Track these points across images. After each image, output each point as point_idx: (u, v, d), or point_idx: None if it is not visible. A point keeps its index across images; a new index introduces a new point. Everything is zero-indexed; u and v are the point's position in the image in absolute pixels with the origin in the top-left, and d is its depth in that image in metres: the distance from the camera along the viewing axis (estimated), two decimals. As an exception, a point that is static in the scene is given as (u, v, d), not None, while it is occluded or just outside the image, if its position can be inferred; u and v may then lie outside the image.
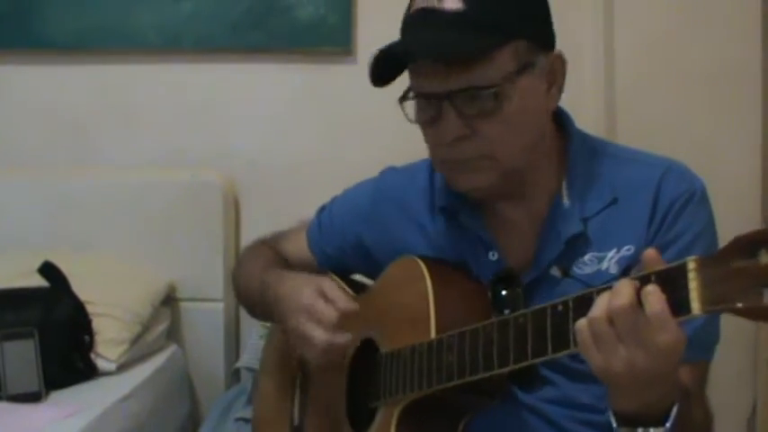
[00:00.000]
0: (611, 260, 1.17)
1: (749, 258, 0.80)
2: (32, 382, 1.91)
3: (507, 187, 1.18)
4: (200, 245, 2.38)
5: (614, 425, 0.98)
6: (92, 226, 2.39)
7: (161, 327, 2.30)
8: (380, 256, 1.35)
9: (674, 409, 0.96)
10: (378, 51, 1.13)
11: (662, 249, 0.94)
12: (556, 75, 1.17)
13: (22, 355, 1.92)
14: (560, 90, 1.19)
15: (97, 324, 2.10)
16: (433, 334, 1.14)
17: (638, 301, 0.87)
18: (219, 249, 2.37)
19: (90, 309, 2.10)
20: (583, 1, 2.29)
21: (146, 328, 2.21)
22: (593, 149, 1.24)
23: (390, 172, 1.42)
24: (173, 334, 2.39)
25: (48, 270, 2.14)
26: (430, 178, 1.33)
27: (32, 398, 1.89)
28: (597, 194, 1.20)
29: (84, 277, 2.16)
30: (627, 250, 1.16)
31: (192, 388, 2.42)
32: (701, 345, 1.14)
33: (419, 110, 1.15)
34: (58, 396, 1.93)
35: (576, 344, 0.93)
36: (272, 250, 1.48)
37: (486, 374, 1.05)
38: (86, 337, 2.06)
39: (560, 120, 1.24)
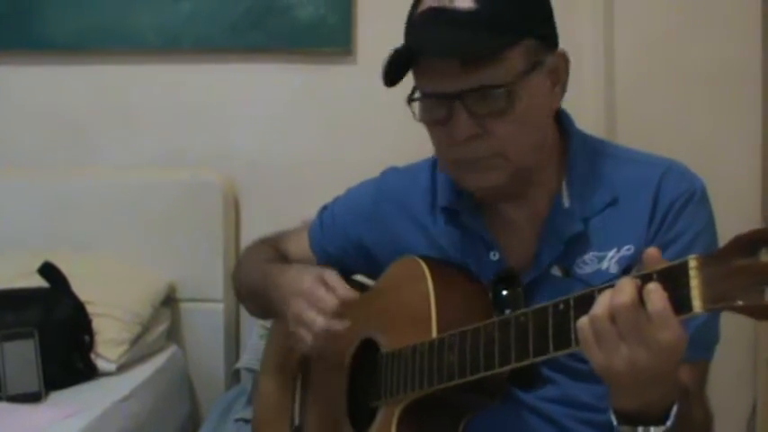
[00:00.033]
0: (611, 260, 1.17)
1: (750, 257, 0.80)
2: (32, 382, 1.91)
3: (514, 186, 1.18)
4: (200, 245, 2.38)
5: (615, 423, 0.98)
6: (91, 226, 2.39)
7: (161, 327, 2.30)
8: (382, 256, 1.35)
9: (675, 408, 0.96)
10: (393, 51, 1.13)
11: (662, 249, 0.94)
12: (560, 73, 1.18)
13: (22, 356, 1.92)
14: (564, 89, 1.19)
15: (97, 324, 2.10)
16: (434, 334, 1.14)
17: (640, 300, 0.88)
18: (219, 250, 2.37)
19: (90, 309, 2.11)
20: (583, 1, 2.29)
21: (146, 328, 2.21)
22: (593, 149, 1.24)
23: (392, 172, 1.42)
24: (173, 334, 2.39)
25: (47, 270, 2.14)
26: (431, 178, 1.33)
27: (32, 398, 1.89)
28: (597, 194, 1.20)
29: (83, 278, 2.16)
30: (627, 250, 1.17)
31: (192, 388, 2.42)
32: (701, 344, 1.14)
33: (427, 110, 1.15)
34: (58, 396, 1.94)
35: (577, 342, 0.93)
36: (273, 248, 1.49)
37: (488, 373, 1.05)
38: (86, 338, 2.06)
39: (561, 120, 1.24)
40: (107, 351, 2.08)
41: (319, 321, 1.18)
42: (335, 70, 2.42)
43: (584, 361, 1.13)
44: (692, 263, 0.84)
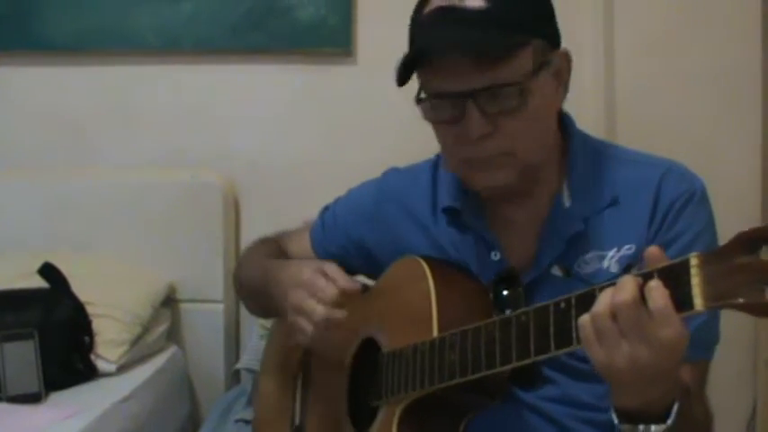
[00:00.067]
0: (611, 259, 1.17)
1: (751, 255, 0.80)
2: (32, 383, 1.91)
3: (521, 185, 1.18)
4: (200, 246, 2.38)
5: (616, 422, 0.98)
6: (91, 227, 2.39)
7: (161, 328, 2.30)
8: (383, 256, 1.35)
9: (675, 407, 0.96)
10: (408, 51, 1.13)
11: (662, 248, 0.94)
12: (563, 73, 1.18)
13: (22, 357, 1.92)
14: (566, 88, 1.20)
15: (97, 325, 2.10)
16: (435, 333, 1.14)
17: (641, 297, 0.88)
18: (219, 250, 2.37)
19: (90, 310, 2.11)
20: (583, 1, 2.29)
21: (146, 329, 2.21)
22: (593, 150, 1.25)
23: (393, 173, 1.42)
24: (173, 335, 2.39)
25: (47, 271, 2.14)
26: (432, 179, 1.33)
27: (32, 399, 1.89)
28: (598, 194, 1.20)
29: (83, 278, 2.16)
30: (627, 249, 1.17)
31: (192, 389, 2.42)
32: (702, 344, 1.14)
33: (437, 109, 1.15)
34: (58, 397, 1.94)
35: (578, 341, 0.93)
36: (274, 246, 1.49)
37: (489, 372, 1.05)
38: (86, 339, 2.07)
39: (562, 120, 1.25)
40: (107, 352, 2.08)
41: (319, 310, 1.18)
42: (336, 71, 2.42)
43: (584, 360, 1.13)
44: (694, 261, 0.84)
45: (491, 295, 1.16)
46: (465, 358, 1.08)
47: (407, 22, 1.21)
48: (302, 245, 1.47)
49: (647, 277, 0.88)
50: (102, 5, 2.43)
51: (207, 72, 2.46)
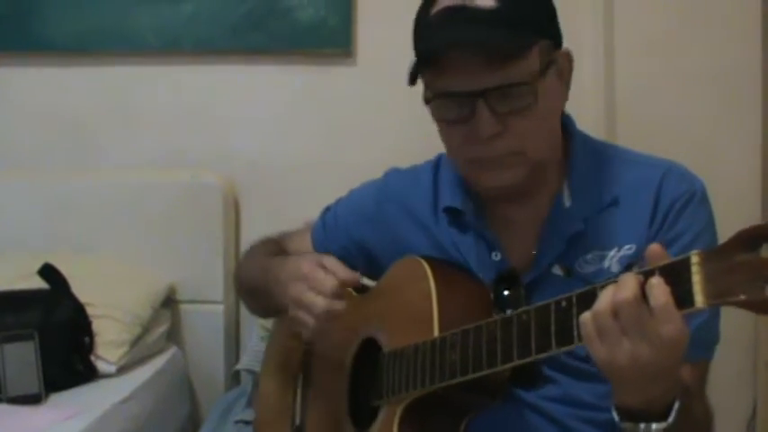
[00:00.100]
0: (612, 259, 1.18)
1: (751, 252, 0.81)
2: (32, 384, 1.91)
3: (526, 185, 1.18)
4: (200, 246, 2.38)
5: (617, 420, 0.98)
6: (92, 227, 2.39)
7: (161, 329, 2.30)
8: (384, 256, 1.35)
9: (676, 405, 0.96)
10: (422, 50, 1.13)
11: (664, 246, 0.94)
12: (565, 72, 1.19)
13: (23, 358, 1.92)
14: (568, 87, 1.20)
15: (97, 326, 2.10)
16: (435, 333, 1.15)
17: (643, 295, 0.88)
18: (219, 251, 2.37)
19: (90, 311, 2.11)
20: (583, 1, 2.29)
21: (146, 329, 2.21)
22: (594, 150, 1.26)
23: (394, 173, 1.42)
24: (173, 336, 2.39)
25: (47, 272, 2.14)
26: (433, 179, 1.33)
27: (32, 400, 1.89)
28: (598, 194, 1.20)
29: (84, 279, 2.16)
30: (628, 249, 1.17)
31: (192, 390, 2.42)
32: (702, 344, 1.14)
33: (445, 109, 1.15)
34: (58, 398, 1.94)
35: (580, 339, 0.93)
36: (275, 246, 1.49)
37: (490, 371, 1.05)
38: (86, 339, 2.06)
39: (562, 120, 1.25)
40: (107, 353, 2.08)
41: (319, 302, 1.18)
42: (336, 71, 2.42)
43: (585, 360, 1.14)
44: (694, 258, 0.85)
45: (492, 295, 1.16)
46: (466, 357, 1.08)
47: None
48: (303, 245, 1.47)
49: (648, 275, 0.88)
50: (102, 6, 2.43)
51: (207, 72, 2.46)
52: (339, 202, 1.48)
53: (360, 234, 1.40)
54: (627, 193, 1.20)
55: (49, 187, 2.43)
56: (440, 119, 1.16)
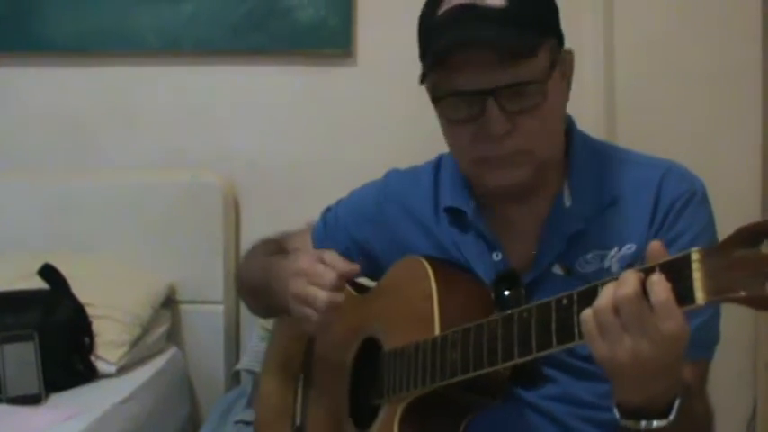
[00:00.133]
0: (612, 258, 1.18)
1: (752, 249, 0.81)
2: (32, 384, 1.91)
3: (531, 183, 1.18)
4: (200, 247, 2.38)
5: (618, 417, 0.98)
6: (92, 228, 2.39)
7: (161, 329, 2.30)
8: (384, 257, 1.35)
9: (677, 402, 0.96)
10: (437, 47, 1.12)
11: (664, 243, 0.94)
12: (567, 71, 1.19)
13: (22, 358, 1.92)
14: (569, 87, 1.21)
15: (97, 326, 2.10)
16: (437, 333, 1.15)
17: (643, 291, 0.88)
18: (219, 251, 2.37)
19: (90, 311, 2.11)
20: (583, 1, 2.29)
21: (146, 330, 2.21)
22: (594, 150, 1.26)
23: (394, 174, 1.42)
24: (173, 336, 2.39)
25: (47, 272, 2.14)
26: (434, 180, 1.33)
27: (32, 400, 1.89)
28: (598, 194, 1.21)
29: (84, 279, 2.16)
30: (628, 249, 1.17)
31: (192, 390, 2.42)
32: (702, 343, 1.14)
33: (454, 108, 1.15)
34: (58, 398, 1.93)
35: (581, 336, 0.93)
36: (275, 246, 1.49)
37: (491, 369, 1.05)
38: (86, 340, 2.06)
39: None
40: (107, 353, 2.08)
41: (321, 295, 1.18)
42: (336, 72, 2.42)
43: (585, 359, 1.14)
44: (695, 255, 0.85)
45: (492, 295, 1.16)
46: (467, 356, 1.08)
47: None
48: (304, 245, 1.47)
49: (648, 272, 0.89)
50: (102, 6, 2.43)
51: (207, 73, 2.46)
52: (340, 202, 1.48)
53: (360, 234, 1.40)
54: (627, 193, 1.20)
55: (49, 187, 2.43)
56: (448, 118, 1.16)
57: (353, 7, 2.39)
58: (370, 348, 1.30)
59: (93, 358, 2.06)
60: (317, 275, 1.20)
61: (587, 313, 0.92)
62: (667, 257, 0.89)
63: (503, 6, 1.10)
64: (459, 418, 1.16)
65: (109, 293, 2.19)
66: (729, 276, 0.82)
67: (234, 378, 2.36)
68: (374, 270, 1.38)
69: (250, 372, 2.17)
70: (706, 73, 2.27)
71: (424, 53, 1.17)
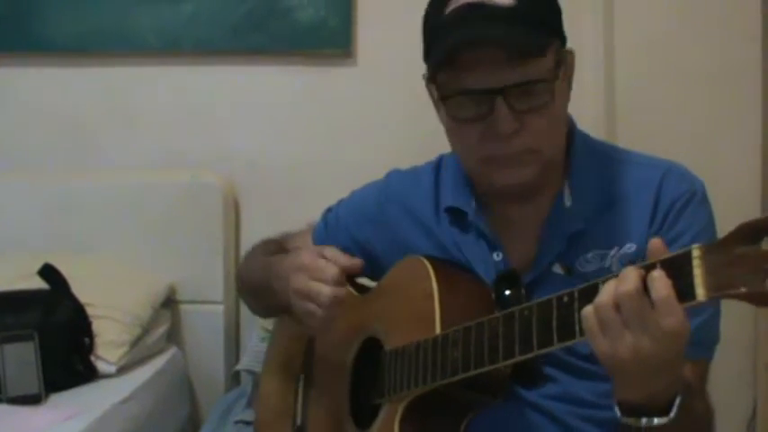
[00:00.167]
0: (613, 258, 1.18)
1: (752, 246, 0.81)
2: (32, 384, 1.91)
3: (538, 182, 1.19)
4: (200, 247, 2.38)
5: (619, 415, 0.99)
6: (92, 228, 2.39)
7: (161, 329, 2.30)
8: (385, 257, 1.35)
9: (678, 400, 0.96)
10: (447, 46, 1.12)
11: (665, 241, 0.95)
12: (570, 71, 1.20)
13: (22, 358, 1.92)
14: (570, 86, 1.21)
15: (97, 326, 2.10)
16: (437, 331, 1.15)
17: (644, 288, 0.88)
18: (219, 251, 2.37)
19: (90, 311, 2.11)
20: (583, 1, 2.29)
21: (146, 330, 2.21)
22: (594, 150, 1.26)
23: (395, 174, 1.42)
24: (173, 336, 2.38)
25: (48, 272, 2.14)
26: (435, 180, 1.34)
27: (32, 400, 1.89)
28: (599, 194, 1.21)
29: (84, 279, 2.16)
30: (628, 248, 1.18)
31: (192, 390, 2.41)
32: (702, 343, 1.14)
33: (462, 107, 1.14)
34: (58, 398, 1.93)
35: (581, 333, 0.93)
36: (276, 246, 1.49)
37: (492, 367, 1.05)
38: (86, 340, 2.06)
39: None
40: (107, 353, 2.08)
41: (324, 290, 1.19)
42: (336, 72, 2.42)
43: (585, 358, 1.14)
44: (696, 252, 0.85)
45: (493, 295, 1.17)
46: (468, 354, 1.08)
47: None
48: (305, 246, 1.47)
49: (649, 268, 0.89)
50: (102, 7, 2.43)
51: (207, 73, 2.46)
52: (340, 203, 1.48)
53: (361, 235, 1.40)
54: (627, 193, 1.20)
55: (49, 187, 2.43)
56: (456, 117, 1.16)
57: (353, 7, 2.39)
58: (370, 348, 1.30)
59: (93, 358, 2.06)
60: (319, 270, 1.20)
61: (588, 310, 0.92)
62: (668, 254, 0.89)
63: (511, 5, 1.10)
64: (460, 418, 1.17)
65: (109, 293, 2.19)
66: (730, 273, 0.82)
67: (234, 378, 2.36)
68: (375, 270, 1.38)
69: (250, 372, 2.17)
70: (706, 73, 2.27)
71: (430, 52, 1.17)
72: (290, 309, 1.27)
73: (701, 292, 0.84)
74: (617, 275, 0.91)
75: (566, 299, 0.96)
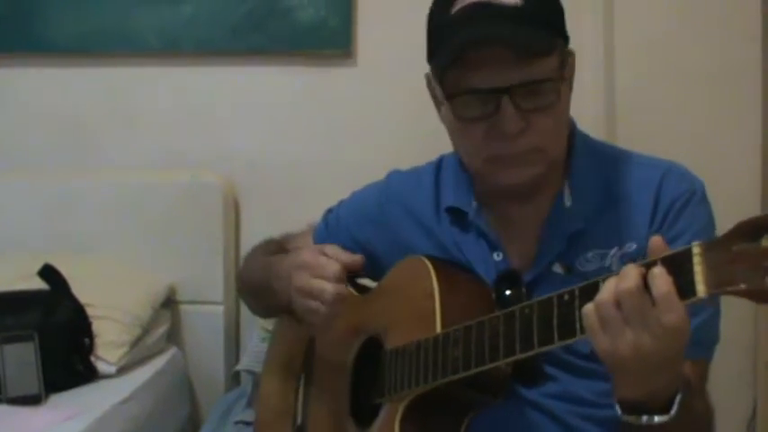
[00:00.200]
0: (613, 257, 1.18)
1: (752, 242, 0.82)
2: (32, 384, 1.91)
3: (541, 181, 1.19)
4: (200, 247, 2.38)
5: (619, 413, 0.99)
6: (92, 228, 2.39)
7: (161, 329, 2.30)
8: (386, 258, 1.35)
9: (678, 398, 0.96)
10: (455, 45, 1.12)
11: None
12: (570, 71, 1.20)
13: (22, 358, 1.92)
14: (571, 87, 1.21)
15: (97, 327, 2.10)
16: (438, 330, 1.15)
17: (645, 285, 0.89)
18: (219, 251, 2.37)
19: (90, 311, 2.11)
20: (583, 1, 2.29)
21: (146, 330, 2.21)
22: (594, 150, 1.26)
23: (395, 175, 1.42)
24: (173, 336, 2.38)
25: (48, 273, 2.14)
26: (435, 180, 1.34)
27: (32, 400, 1.89)
28: (599, 194, 1.21)
29: (84, 280, 2.16)
30: (629, 248, 1.18)
31: (192, 391, 2.42)
32: (702, 343, 1.14)
33: (467, 106, 1.14)
34: (58, 399, 1.93)
35: (582, 331, 0.94)
36: (277, 246, 1.49)
37: (492, 365, 1.05)
38: (86, 340, 2.06)
39: None
40: (107, 353, 2.08)
41: (327, 287, 1.19)
42: (336, 72, 2.42)
43: (585, 358, 1.14)
44: (696, 249, 0.85)
45: (493, 295, 1.17)
46: (468, 352, 1.08)
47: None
48: (306, 246, 1.47)
49: (650, 266, 0.89)
50: (103, 7, 2.43)
51: (207, 73, 2.46)
52: (341, 203, 1.48)
53: (362, 235, 1.40)
54: (627, 193, 1.20)
55: (50, 187, 2.43)
56: (461, 116, 1.15)
57: (353, 7, 2.39)
58: (371, 348, 1.30)
59: (93, 359, 2.06)
60: (321, 267, 1.20)
61: (589, 307, 0.92)
62: (668, 252, 0.89)
63: (518, 5, 1.11)
64: (461, 417, 1.17)
65: (109, 294, 2.19)
66: (730, 270, 0.82)
67: (234, 378, 2.36)
68: (376, 271, 1.38)
69: (250, 372, 2.17)
70: (706, 73, 2.27)
71: (436, 51, 1.17)
72: (291, 308, 1.27)
73: (701, 289, 0.85)
74: (618, 273, 0.92)
75: (566, 297, 0.96)
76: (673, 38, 2.28)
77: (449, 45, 1.12)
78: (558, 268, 1.19)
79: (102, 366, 2.07)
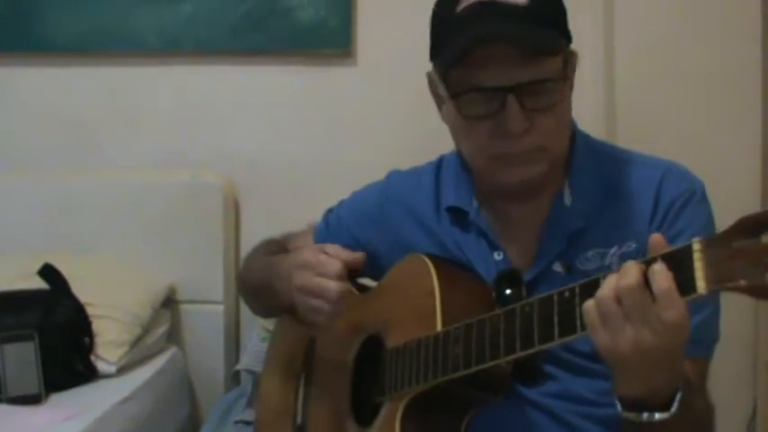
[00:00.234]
0: (613, 256, 1.18)
1: (753, 239, 0.82)
2: (32, 384, 1.91)
3: (543, 180, 1.19)
4: (200, 247, 2.38)
5: (620, 410, 0.99)
6: (92, 227, 2.39)
7: (161, 329, 2.30)
8: (386, 257, 1.36)
9: (679, 395, 0.96)
10: (463, 43, 1.11)
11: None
12: (572, 71, 1.20)
13: (22, 358, 1.92)
14: (572, 87, 1.21)
15: (97, 326, 2.10)
16: (438, 329, 1.15)
17: (645, 282, 0.89)
18: (219, 251, 2.37)
19: (90, 311, 2.11)
20: (583, 1, 2.29)
21: (146, 330, 2.21)
22: (594, 150, 1.27)
23: (396, 174, 1.43)
24: (173, 336, 2.38)
25: (48, 272, 2.14)
26: (435, 180, 1.34)
27: (32, 400, 1.89)
28: (599, 193, 1.21)
29: (84, 279, 2.16)
30: (628, 247, 1.18)
31: (192, 390, 2.42)
32: (701, 341, 1.15)
33: (473, 104, 1.14)
34: (58, 398, 1.93)
35: (582, 328, 0.94)
36: (277, 246, 1.50)
37: (493, 363, 1.06)
38: (86, 340, 2.06)
39: None
40: (107, 353, 2.08)
41: (332, 285, 1.19)
42: (336, 72, 2.42)
43: (584, 357, 1.15)
44: (696, 245, 0.86)
45: (494, 294, 1.17)
46: (469, 350, 1.08)
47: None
48: (306, 246, 1.48)
49: (650, 262, 0.89)
50: (103, 7, 2.43)
51: (207, 73, 2.46)
52: (341, 203, 1.48)
53: (363, 235, 1.40)
54: (627, 193, 1.21)
55: (50, 187, 2.43)
56: (466, 114, 1.16)
57: (353, 7, 2.39)
58: (371, 347, 1.30)
59: (93, 358, 2.06)
60: (322, 266, 1.21)
61: (589, 304, 0.93)
62: (669, 248, 0.90)
63: (524, 4, 1.11)
64: (462, 415, 1.17)
65: (109, 293, 2.19)
66: (730, 266, 0.83)
67: (234, 378, 2.36)
68: (376, 270, 1.38)
69: (250, 372, 2.17)
70: (706, 73, 2.27)
71: (441, 49, 1.17)
72: (292, 308, 1.27)
73: (701, 285, 0.85)
74: (618, 271, 0.92)
75: (567, 294, 0.97)
76: (673, 38, 2.29)
77: (456, 42, 1.12)
78: (558, 267, 1.19)
79: (102, 366, 2.07)
